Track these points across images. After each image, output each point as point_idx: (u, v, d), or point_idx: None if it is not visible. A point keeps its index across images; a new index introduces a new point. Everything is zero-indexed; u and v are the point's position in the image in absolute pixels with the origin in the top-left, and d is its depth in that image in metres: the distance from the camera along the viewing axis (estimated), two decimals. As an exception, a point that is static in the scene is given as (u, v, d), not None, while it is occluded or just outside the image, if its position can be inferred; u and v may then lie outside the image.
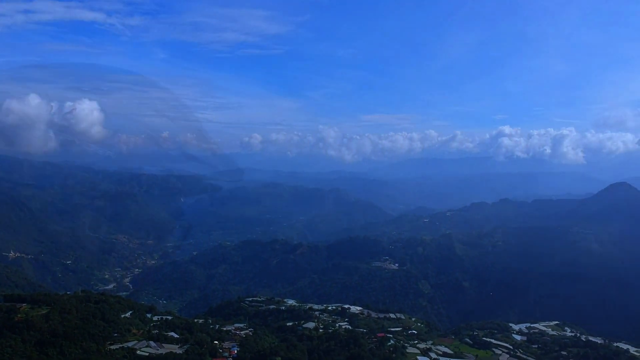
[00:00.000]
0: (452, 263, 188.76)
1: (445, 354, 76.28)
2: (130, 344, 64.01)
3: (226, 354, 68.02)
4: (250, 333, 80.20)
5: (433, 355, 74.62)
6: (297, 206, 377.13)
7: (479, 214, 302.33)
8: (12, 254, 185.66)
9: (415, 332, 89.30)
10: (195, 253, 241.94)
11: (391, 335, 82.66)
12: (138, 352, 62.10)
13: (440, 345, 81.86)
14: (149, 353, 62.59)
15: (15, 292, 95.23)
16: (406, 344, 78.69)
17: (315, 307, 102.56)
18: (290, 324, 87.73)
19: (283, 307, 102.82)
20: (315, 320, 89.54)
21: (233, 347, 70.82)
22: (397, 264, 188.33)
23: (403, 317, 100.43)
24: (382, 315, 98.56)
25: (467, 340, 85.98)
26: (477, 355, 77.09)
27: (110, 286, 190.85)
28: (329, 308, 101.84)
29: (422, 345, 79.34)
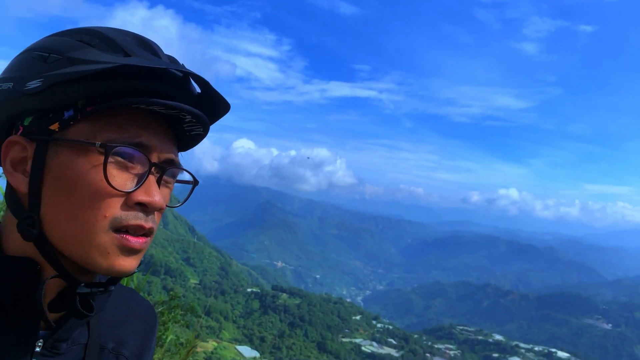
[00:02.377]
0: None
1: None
2: (357, 340, 65.30)
3: (436, 367, 64.93)
4: (459, 354, 75.34)
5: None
6: (511, 259, 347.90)
7: None
8: (279, 263, 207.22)
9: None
10: (416, 285, 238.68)
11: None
12: (362, 348, 62.98)
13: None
14: (371, 350, 62.93)
15: (279, 285, 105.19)
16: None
17: (522, 345, 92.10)
18: (496, 355, 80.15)
19: (490, 340, 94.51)
20: (521, 357, 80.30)
21: (442, 362, 67.35)
22: (610, 325, 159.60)
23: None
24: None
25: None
26: None
27: (347, 299, 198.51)
28: (535, 349, 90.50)
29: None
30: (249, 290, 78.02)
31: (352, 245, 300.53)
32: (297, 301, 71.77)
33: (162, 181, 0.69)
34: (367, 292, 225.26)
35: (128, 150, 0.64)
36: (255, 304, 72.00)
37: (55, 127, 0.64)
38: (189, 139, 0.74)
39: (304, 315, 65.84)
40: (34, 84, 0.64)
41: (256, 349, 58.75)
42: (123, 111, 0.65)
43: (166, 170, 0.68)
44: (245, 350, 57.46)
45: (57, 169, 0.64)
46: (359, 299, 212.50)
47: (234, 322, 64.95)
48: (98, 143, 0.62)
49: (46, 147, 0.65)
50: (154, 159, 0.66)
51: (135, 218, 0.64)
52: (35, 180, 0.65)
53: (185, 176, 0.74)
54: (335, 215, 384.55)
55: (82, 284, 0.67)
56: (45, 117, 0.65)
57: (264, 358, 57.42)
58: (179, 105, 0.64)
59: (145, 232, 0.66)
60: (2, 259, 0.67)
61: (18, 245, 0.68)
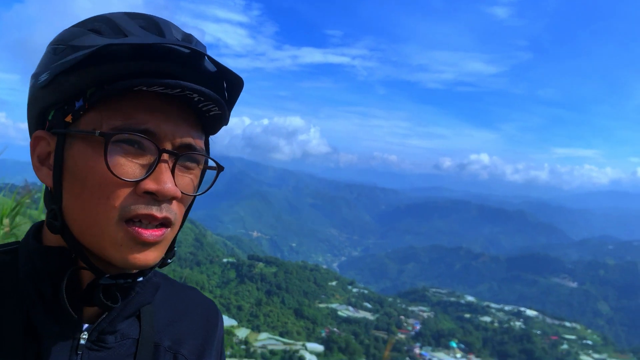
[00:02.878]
0: (636, 289, 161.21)
1: (622, 368, 65.41)
2: (333, 305, 66.77)
3: (409, 328, 67.13)
4: (432, 316, 77.86)
5: (608, 367, 64.53)
6: (482, 222, 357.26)
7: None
8: (255, 233, 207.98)
9: (591, 342, 77.99)
10: (390, 250, 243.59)
11: (565, 341, 73.43)
12: (339, 312, 64.49)
13: (617, 359, 70.33)
14: (347, 315, 64.49)
15: (256, 254, 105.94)
16: (580, 352, 69.20)
17: (493, 305, 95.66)
18: (468, 315, 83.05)
19: (462, 301, 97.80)
20: (492, 316, 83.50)
21: (416, 323, 69.63)
22: (576, 283, 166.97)
23: (578, 327, 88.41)
24: (557, 322, 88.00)
25: (648, 360, 72.57)
26: (658, 376, 64.69)
27: (323, 266, 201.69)
28: (505, 308, 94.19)
29: (596, 356, 69.03)
30: (224, 260, 78.45)
31: (327, 213, 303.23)
32: (274, 269, 72.69)
33: (181, 168, 0.67)
34: (343, 259, 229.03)
35: (133, 137, 0.62)
36: (232, 274, 72.60)
37: (69, 118, 0.65)
38: (212, 121, 0.71)
39: (280, 283, 66.88)
40: (43, 76, 0.65)
41: (234, 318, 59.66)
42: (131, 97, 0.63)
43: (180, 156, 0.65)
44: (223, 319, 58.07)
45: (72, 161, 0.64)
46: (335, 265, 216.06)
47: (211, 292, 65.52)
48: (97, 132, 0.61)
49: (64, 139, 0.65)
50: (166, 145, 0.64)
51: (146, 207, 0.62)
52: (56, 174, 0.65)
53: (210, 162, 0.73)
54: (310, 184, 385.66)
55: (107, 275, 0.66)
56: (62, 109, 0.66)
57: (242, 326, 58.41)
58: (177, 83, 0.61)
59: (161, 223, 0.65)
60: (40, 250, 0.68)
61: (55, 237, 0.68)
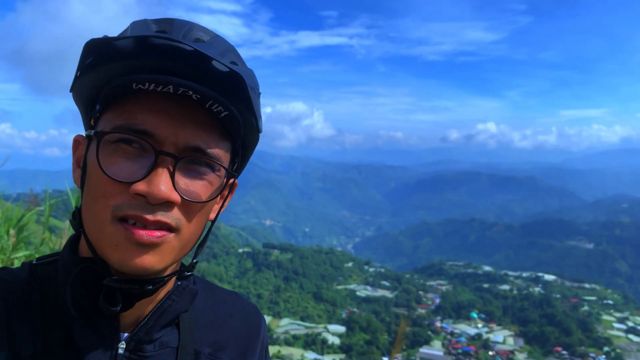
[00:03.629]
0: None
1: (644, 325, 65.21)
2: (351, 286, 67.10)
3: (429, 302, 67.40)
4: (450, 288, 78.08)
5: (630, 324, 64.39)
6: (493, 191, 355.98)
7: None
8: (267, 221, 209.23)
9: (611, 302, 77.86)
10: (403, 227, 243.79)
11: (585, 303, 73.37)
12: (357, 293, 64.84)
13: (639, 316, 70.17)
14: (366, 295, 64.87)
15: (270, 242, 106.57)
16: (601, 312, 69.12)
17: (510, 273, 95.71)
18: (487, 285, 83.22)
19: (480, 272, 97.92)
20: (510, 284, 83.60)
21: (435, 297, 69.84)
22: (592, 244, 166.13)
23: (598, 287, 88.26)
24: (576, 285, 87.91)
25: (670, 315, 72.34)
26: (681, 329, 64.46)
27: (338, 249, 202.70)
28: (523, 275, 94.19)
29: (618, 314, 68.93)
30: (240, 250, 79.03)
31: (337, 196, 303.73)
32: (289, 256, 73.13)
33: (188, 172, 0.65)
34: (357, 240, 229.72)
35: (128, 137, 0.61)
36: (249, 264, 73.23)
37: (92, 122, 0.66)
38: (229, 125, 0.67)
39: (297, 268, 67.35)
40: (73, 81, 0.67)
41: (254, 306, 60.20)
42: (138, 97, 0.62)
43: (180, 159, 0.62)
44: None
45: (88, 163, 0.65)
46: (349, 246, 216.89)
47: (229, 283, 66.19)
48: (92, 132, 0.62)
49: (89, 142, 0.66)
50: (168, 147, 0.62)
51: (135, 208, 0.61)
52: (82, 176, 0.66)
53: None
54: (317, 168, 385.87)
55: (114, 277, 0.64)
56: (87, 112, 0.69)
57: (263, 313, 58.60)
58: (167, 79, 0.59)
59: (161, 227, 0.62)
60: (74, 261, 0.68)
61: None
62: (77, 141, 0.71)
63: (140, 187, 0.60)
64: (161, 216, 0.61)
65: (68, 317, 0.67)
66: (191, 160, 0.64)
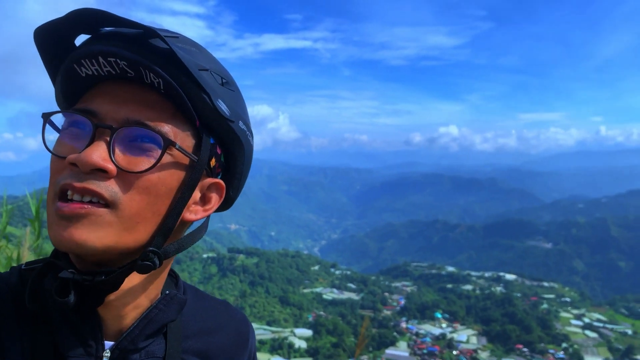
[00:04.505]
0: (607, 244, 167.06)
1: (599, 321, 67.83)
2: (318, 290, 67.14)
3: (394, 304, 68.13)
4: (415, 289, 79.21)
5: (587, 321, 66.86)
6: (455, 193, 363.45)
7: (638, 200, 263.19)
8: (232, 226, 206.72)
9: (569, 299, 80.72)
10: (368, 229, 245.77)
11: (544, 301, 75.78)
12: (324, 296, 64.92)
13: (594, 313, 72.98)
14: (332, 297, 65.01)
15: (235, 247, 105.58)
16: (559, 309, 71.55)
17: (473, 273, 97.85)
18: (450, 285, 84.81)
19: (443, 272, 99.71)
20: (473, 284, 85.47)
21: (400, 298, 70.66)
22: (550, 244, 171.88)
23: (556, 285, 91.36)
24: (535, 283, 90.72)
25: (623, 310, 75.43)
26: (633, 324, 67.38)
27: (304, 252, 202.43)
28: (485, 275, 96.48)
29: (575, 311, 71.52)
30: (204, 256, 77.83)
31: (304, 199, 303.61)
32: (255, 260, 72.58)
33: (130, 146, 0.63)
34: (323, 242, 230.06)
35: (69, 116, 0.63)
36: (213, 269, 72.19)
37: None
38: (175, 100, 0.64)
39: (263, 272, 66.88)
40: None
41: (220, 312, 59.40)
42: (96, 87, 0.65)
43: (116, 130, 0.61)
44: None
45: None
46: (316, 249, 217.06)
47: (194, 288, 65.19)
48: (42, 114, 0.62)
49: None
50: (108, 121, 0.61)
51: (67, 178, 0.60)
52: None
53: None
54: (283, 171, 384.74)
55: (69, 270, 0.62)
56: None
57: (229, 319, 58.18)
58: (88, 50, 0.61)
59: (92, 197, 0.60)
60: (45, 266, 0.67)
61: None
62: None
63: (73, 156, 0.59)
64: (91, 184, 0.59)
65: (55, 326, 0.66)
66: (132, 136, 0.63)
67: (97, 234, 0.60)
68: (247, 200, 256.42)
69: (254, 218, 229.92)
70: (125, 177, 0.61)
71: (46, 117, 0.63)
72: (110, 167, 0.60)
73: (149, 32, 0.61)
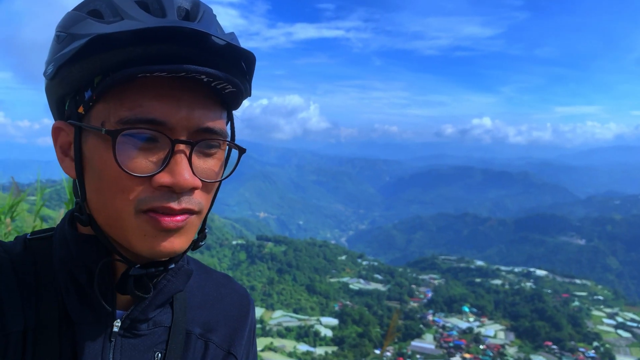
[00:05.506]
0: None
1: (633, 320, 65.85)
2: (344, 279, 67.25)
3: (421, 296, 67.71)
4: (443, 282, 78.46)
5: (620, 320, 65.01)
6: (487, 187, 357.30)
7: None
8: (261, 214, 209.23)
9: (602, 298, 78.56)
10: (396, 221, 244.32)
11: (576, 298, 73.97)
12: (350, 286, 64.99)
13: (628, 312, 70.85)
14: (359, 288, 65.05)
15: (264, 235, 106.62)
16: (591, 307, 69.74)
17: (502, 268, 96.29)
18: (479, 280, 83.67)
19: (472, 266, 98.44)
20: (502, 279, 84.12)
21: (427, 291, 70.18)
22: (584, 240, 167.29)
23: (589, 283, 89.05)
24: (567, 280, 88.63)
25: (659, 311, 73.06)
26: (670, 325, 65.14)
27: (332, 242, 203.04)
28: (515, 270, 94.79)
29: (608, 310, 69.60)
30: (234, 242, 78.95)
31: (332, 189, 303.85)
32: (283, 248, 73.15)
33: (200, 154, 0.65)
34: (350, 233, 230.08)
35: (140, 132, 0.60)
36: (242, 256, 73.21)
37: (81, 109, 0.63)
38: (230, 98, 0.67)
39: (290, 261, 67.39)
40: (50, 68, 0.63)
41: (247, 298, 60.32)
42: (138, 84, 0.60)
43: (195, 144, 0.62)
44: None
45: (88, 155, 0.63)
46: (343, 240, 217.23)
47: (223, 274, 66.25)
48: (104, 130, 0.59)
49: (80, 131, 0.64)
50: (180, 133, 0.61)
51: (161, 200, 0.61)
52: (78, 167, 0.65)
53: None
54: (312, 161, 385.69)
55: (138, 266, 0.66)
56: (74, 99, 0.64)
57: (256, 305, 59.01)
58: (180, 67, 0.58)
59: (183, 212, 0.63)
60: (76, 237, 0.68)
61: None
62: (58, 128, 0.67)
63: (165, 179, 0.60)
64: (186, 203, 0.62)
65: (64, 292, 0.67)
66: (204, 145, 0.64)
67: (189, 237, 0.66)
68: (276, 189, 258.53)
69: (283, 207, 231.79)
70: (205, 186, 0.65)
71: (116, 136, 0.58)
72: (199, 183, 0.62)
73: (236, 50, 0.62)
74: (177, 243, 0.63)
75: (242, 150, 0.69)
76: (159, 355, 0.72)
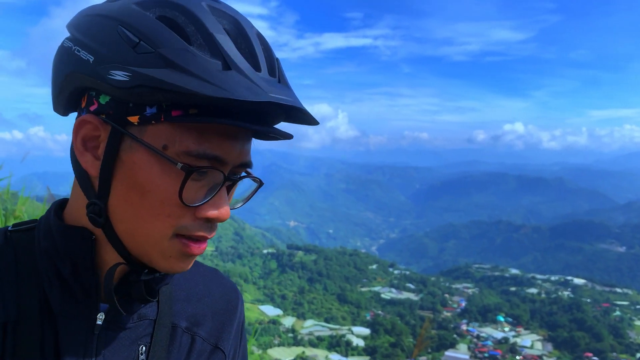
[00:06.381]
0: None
1: (680, 332, 63.00)
2: (376, 289, 66.86)
3: (455, 305, 66.63)
4: (477, 291, 76.99)
5: (666, 331, 62.30)
6: (521, 193, 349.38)
7: None
8: (291, 223, 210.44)
9: (645, 307, 75.52)
10: (428, 229, 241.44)
11: (617, 307, 71.31)
12: (382, 295, 64.54)
13: (675, 323, 67.85)
14: (391, 297, 64.52)
15: (294, 243, 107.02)
16: (634, 317, 67.09)
17: (538, 276, 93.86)
18: (514, 288, 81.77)
19: (507, 275, 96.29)
20: (538, 287, 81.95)
21: (461, 300, 69.01)
22: (624, 247, 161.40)
23: (630, 292, 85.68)
24: (607, 289, 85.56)
25: None
26: None
27: (362, 250, 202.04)
28: (552, 278, 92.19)
29: (652, 320, 66.80)
30: (265, 251, 79.57)
31: (361, 197, 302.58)
32: (313, 257, 73.25)
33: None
34: (381, 241, 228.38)
35: (208, 170, 0.61)
36: (273, 264, 73.66)
37: (134, 120, 0.60)
38: (267, 138, 0.68)
39: (321, 270, 67.43)
40: (119, 75, 0.57)
41: (279, 307, 60.55)
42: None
43: (239, 180, 0.66)
44: (268, 309, 59.29)
45: (131, 166, 0.61)
46: (374, 248, 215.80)
47: (254, 283, 66.69)
48: (179, 164, 0.58)
49: (121, 136, 0.61)
50: (228, 169, 0.63)
51: (200, 229, 0.63)
52: (106, 169, 0.62)
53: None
54: (341, 169, 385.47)
55: (146, 271, 0.66)
56: (125, 104, 0.60)
57: (287, 315, 59.24)
58: (271, 130, 0.61)
59: (206, 240, 0.66)
60: (62, 228, 0.67)
61: (80, 217, 0.67)
62: (86, 121, 0.63)
63: (211, 212, 0.63)
64: (214, 231, 0.66)
65: (46, 284, 0.66)
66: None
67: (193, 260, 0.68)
68: (306, 197, 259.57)
69: (312, 216, 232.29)
70: None
71: (190, 173, 0.59)
72: (229, 216, 0.65)
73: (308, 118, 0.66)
74: (189, 264, 0.67)
75: (260, 184, 0.72)
76: (143, 348, 0.71)
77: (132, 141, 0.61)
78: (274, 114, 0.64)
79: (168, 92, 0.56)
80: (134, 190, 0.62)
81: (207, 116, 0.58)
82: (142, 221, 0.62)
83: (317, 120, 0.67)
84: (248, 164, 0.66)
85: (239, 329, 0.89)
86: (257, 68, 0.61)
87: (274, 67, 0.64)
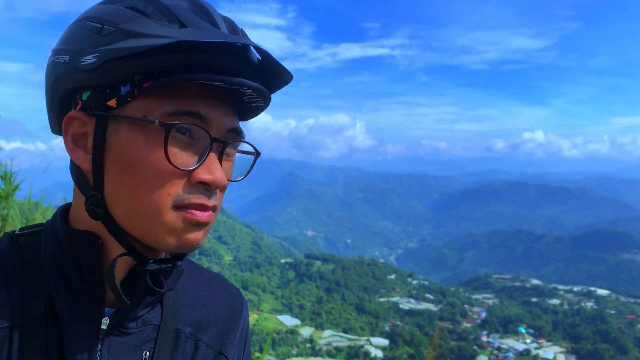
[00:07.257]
0: None
1: None
2: (394, 299, 66.27)
3: (475, 316, 65.64)
4: (497, 302, 75.75)
5: (695, 344, 60.36)
6: (541, 202, 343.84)
7: None
8: (309, 232, 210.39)
9: (673, 320, 73.37)
10: (447, 239, 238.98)
11: (644, 319, 69.39)
12: (401, 305, 63.96)
13: None
14: (409, 307, 63.89)
15: (312, 253, 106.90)
16: (661, 330, 65.20)
17: (560, 287, 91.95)
18: (535, 299, 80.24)
19: (528, 285, 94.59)
20: (560, 298, 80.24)
21: (481, 311, 67.99)
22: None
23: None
24: (632, 300, 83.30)
25: None
26: None
27: (380, 260, 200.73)
28: (574, 289, 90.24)
29: (680, 333, 64.83)
30: (282, 261, 79.58)
31: (379, 206, 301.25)
32: (331, 267, 72.96)
33: (223, 155, 0.66)
34: (399, 251, 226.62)
35: (187, 125, 0.62)
36: (291, 274, 73.59)
37: (112, 103, 0.62)
38: (250, 110, 0.71)
39: (339, 279, 67.10)
40: (89, 59, 0.61)
41: (296, 317, 60.34)
42: (180, 84, 0.62)
43: (228, 144, 0.66)
44: (286, 319, 59.11)
45: (118, 148, 0.63)
46: (392, 258, 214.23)
47: (272, 293, 66.66)
48: (157, 122, 0.60)
49: (105, 123, 0.63)
50: (214, 132, 0.64)
51: (198, 197, 0.63)
52: (97, 159, 0.64)
53: (245, 146, 0.71)
54: (359, 178, 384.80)
55: (151, 261, 0.66)
56: (103, 92, 0.63)
57: (305, 324, 58.99)
58: (240, 81, 0.61)
59: (209, 209, 0.65)
60: (68, 232, 0.67)
61: (84, 220, 0.67)
62: (73, 118, 0.66)
63: (205, 175, 0.62)
64: (214, 200, 0.65)
65: (52, 288, 0.67)
66: (232, 145, 0.68)
67: (206, 233, 0.67)
68: (323, 207, 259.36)
69: (330, 225, 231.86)
70: (224, 186, 0.66)
71: (170, 128, 0.60)
72: (227, 182, 0.66)
73: (285, 74, 0.67)
74: (200, 237, 0.65)
75: (258, 154, 0.72)
76: (147, 353, 0.71)
77: (115, 123, 0.63)
78: (242, 70, 0.64)
79: (131, 57, 0.59)
80: (125, 171, 0.62)
81: (173, 76, 0.59)
82: (139, 200, 0.62)
83: (290, 72, 0.66)
84: (237, 130, 0.67)
85: (243, 335, 0.89)
86: (216, 27, 0.63)
87: (236, 29, 0.66)
